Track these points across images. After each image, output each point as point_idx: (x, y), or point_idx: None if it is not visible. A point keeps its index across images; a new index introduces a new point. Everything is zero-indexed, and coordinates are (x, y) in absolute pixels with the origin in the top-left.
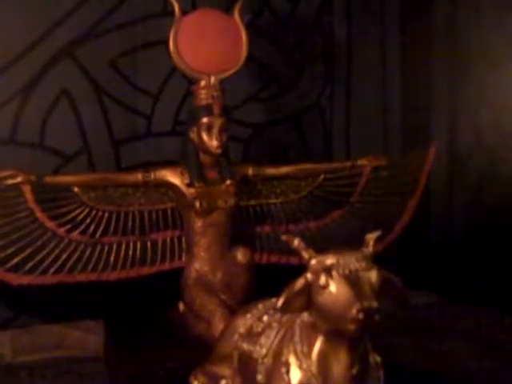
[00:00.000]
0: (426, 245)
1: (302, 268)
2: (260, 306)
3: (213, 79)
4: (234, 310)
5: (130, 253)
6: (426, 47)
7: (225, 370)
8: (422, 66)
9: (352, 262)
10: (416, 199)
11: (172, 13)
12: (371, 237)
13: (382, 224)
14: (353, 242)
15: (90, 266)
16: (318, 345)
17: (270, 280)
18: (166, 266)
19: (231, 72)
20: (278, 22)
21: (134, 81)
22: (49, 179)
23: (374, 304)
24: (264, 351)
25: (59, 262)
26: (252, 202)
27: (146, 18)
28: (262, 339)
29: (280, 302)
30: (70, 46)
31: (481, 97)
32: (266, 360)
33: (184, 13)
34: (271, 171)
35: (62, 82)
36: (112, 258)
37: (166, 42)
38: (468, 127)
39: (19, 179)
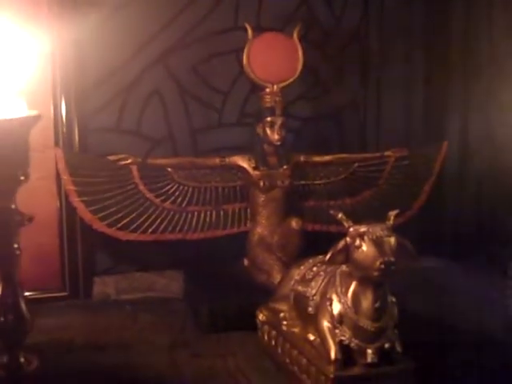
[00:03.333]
0: (440, 221)
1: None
2: (310, 260)
3: (275, 87)
4: (287, 264)
5: (208, 219)
6: (443, 60)
7: (283, 306)
8: (441, 74)
9: (378, 230)
10: (431, 184)
11: (241, 28)
12: (392, 213)
13: (403, 203)
14: (379, 216)
15: (178, 228)
16: (352, 287)
17: (312, 243)
18: (235, 230)
19: (290, 81)
20: (324, 34)
21: (209, 81)
22: (150, 161)
23: (392, 259)
24: (314, 291)
25: (155, 225)
26: (302, 182)
27: (221, 32)
28: (313, 283)
29: (327, 257)
30: (163, 55)
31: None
32: (315, 297)
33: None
34: (317, 159)
35: (155, 83)
36: (194, 223)
37: (237, 52)
38: (478, 125)
39: (129, 161)
